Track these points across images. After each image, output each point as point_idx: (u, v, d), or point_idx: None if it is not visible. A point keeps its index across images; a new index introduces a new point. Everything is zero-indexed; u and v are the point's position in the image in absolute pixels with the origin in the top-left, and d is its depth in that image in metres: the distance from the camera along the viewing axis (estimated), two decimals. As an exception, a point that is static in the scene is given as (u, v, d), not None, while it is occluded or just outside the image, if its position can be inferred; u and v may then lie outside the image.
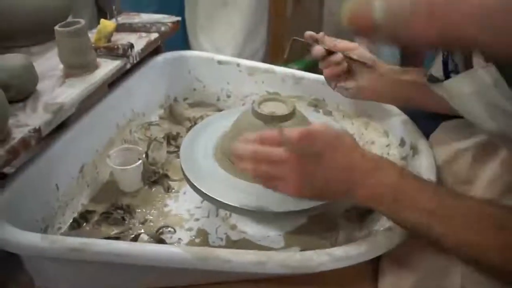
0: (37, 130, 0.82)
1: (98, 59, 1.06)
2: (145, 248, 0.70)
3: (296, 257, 0.67)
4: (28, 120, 0.83)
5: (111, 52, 1.08)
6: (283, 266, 0.67)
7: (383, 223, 0.84)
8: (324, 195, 0.71)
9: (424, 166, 0.89)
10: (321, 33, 0.92)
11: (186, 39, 2.31)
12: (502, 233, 0.61)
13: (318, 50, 0.96)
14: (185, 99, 1.38)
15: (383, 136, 1.08)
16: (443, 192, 0.70)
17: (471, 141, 0.91)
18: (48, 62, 1.05)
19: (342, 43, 0.98)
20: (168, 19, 1.32)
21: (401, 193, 0.66)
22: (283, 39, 2.71)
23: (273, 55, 2.55)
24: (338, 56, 0.96)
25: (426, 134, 0.98)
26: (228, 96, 1.34)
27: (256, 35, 2.32)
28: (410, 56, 2.15)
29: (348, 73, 1.00)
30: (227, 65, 1.30)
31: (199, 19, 2.24)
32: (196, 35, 2.27)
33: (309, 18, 3.35)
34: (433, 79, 0.80)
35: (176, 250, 0.68)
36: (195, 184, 0.85)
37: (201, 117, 1.28)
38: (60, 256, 0.71)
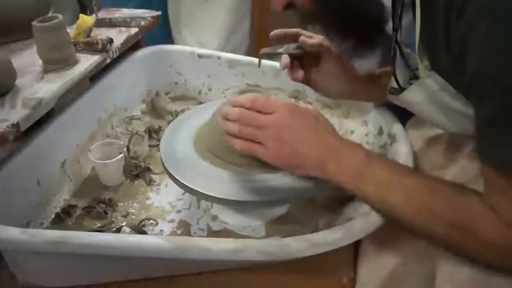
0: (15, 125, 0.82)
1: (78, 54, 1.06)
2: (125, 239, 0.71)
3: (274, 243, 0.69)
4: (6, 116, 0.83)
5: (90, 47, 1.08)
6: (262, 252, 0.68)
7: (362, 211, 0.85)
8: (298, 165, 0.75)
9: (401, 153, 0.90)
10: (295, 30, 0.91)
11: (170, 34, 2.30)
12: (452, 205, 0.66)
13: (284, 65, 0.93)
14: (167, 93, 1.38)
15: (362, 125, 1.10)
16: (401, 168, 0.78)
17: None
18: (27, 58, 1.05)
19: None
20: (148, 13, 1.32)
21: (366, 168, 0.72)
22: (267, 32, 2.72)
23: (257, 49, 2.55)
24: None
25: (403, 123, 0.99)
26: (210, 89, 1.34)
27: (239, 29, 2.32)
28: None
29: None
30: (208, 58, 1.31)
31: (182, 13, 2.23)
32: (179, 30, 2.27)
33: (293, 12, 3.35)
34: (392, 91, 0.84)
35: (157, 240, 0.69)
36: (175, 176, 0.85)
37: (183, 111, 1.29)
38: (40, 250, 0.71)
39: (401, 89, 0.80)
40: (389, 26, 0.80)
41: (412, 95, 0.77)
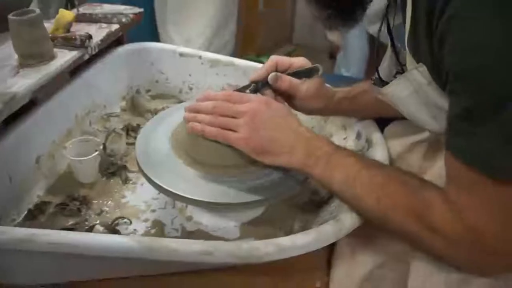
0: (-13, 120, 0.81)
1: (56, 50, 1.04)
2: (93, 238, 0.70)
3: (243, 247, 0.68)
4: (-22, 110, 0.82)
5: (69, 42, 1.07)
6: (230, 255, 0.67)
7: (337, 215, 0.85)
8: (268, 150, 0.77)
9: (378, 158, 0.90)
10: (274, 73, 0.91)
11: (155, 31, 2.29)
12: (410, 195, 0.68)
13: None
14: (147, 91, 1.38)
15: (341, 130, 1.10)
16: (367, 159, 0.79)
17: (424, 134, 0.94)
18: (2, 52, 1.04)
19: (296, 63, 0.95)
20: (130, 10, 1.31)
21: (334, 157, 0.74)
22: (256, 32, 2.72)
23: (244, 48, 2.56)
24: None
25: (381, 128, 0.99)
26: (190, 88, 1.34)
27: (226, 28, 2.32)
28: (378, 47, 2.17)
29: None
30: (189, 57, 1.30)
31: (168, 11, 2.22)
32: (165, 27, 2.26)
33: (282, 11, 3.36)
34: (377, 83, 0.84)
35: (123, 240, 0.68)
36: (149, 176, 0.84)
37: (163, 109, 1.27)
38: (9, 247, 0.69)
39: (383, 83, 0.81)
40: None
41: (397, 88, 0.77)
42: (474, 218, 0.61)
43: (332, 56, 3.00)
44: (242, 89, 0.90)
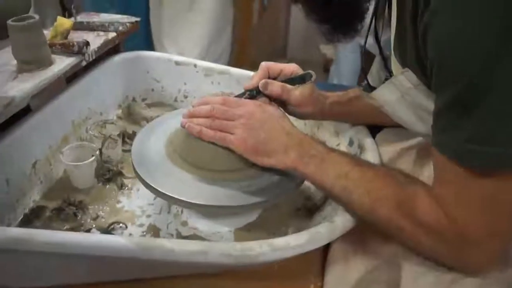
0: (-15, 123, 0.82)
1: (53, 56, 1.06)
2: (90, 238, 0.70)
3: (237, 247, 0.69)
4: (-24, 113, 0.83)
5: (67, 49, 1.08)
6: (225, 255, 0.68)
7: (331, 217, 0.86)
8: (263, 151, 0.80)
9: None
10: (264, 80, 0.93)
11: (150, 42, 2.31)
12: (398, 188, 0.70)
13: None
14: (143, 99, 1.39)
15: (333, 136, 1.11)
16: (360, 159, 0.85)
17: (414, 140, 0.96)
18: (1, 57, 1.05)
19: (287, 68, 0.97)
20: (127, 19, 1.33)
21: (327, 156, 0.77)
22: (249, 45, 2.74)
23: (238, 60, 2.58)
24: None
25: (373, 134, 1.01)
26: (185, 97, 1.35)
27: (220, 40, 2.34)
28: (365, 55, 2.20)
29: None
30: (184, 66, 1.32)
31: (163, 22, 2.25)
32: (160, 39, 2.28)
33: (276, 24, 3.39)
34: (366, 89, 0.86)
35: (120, 239, 0.68)
36: (145, 179, 0.85)
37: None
38: (5, 247, 0.70)
39: (372, 89, 0.83)
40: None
41: (385, 93, 0.80)
42: (458, 211, 0.63)
43: (326, 69, 3.03)
44: (237, 97, 0.91)
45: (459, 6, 0.56)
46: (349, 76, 2.59)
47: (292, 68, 0.94)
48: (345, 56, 2.56)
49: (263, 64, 0.94)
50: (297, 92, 0.92)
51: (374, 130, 1.03)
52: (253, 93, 0.90)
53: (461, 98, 0.58)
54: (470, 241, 0.63)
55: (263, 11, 2.84)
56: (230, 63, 2.43)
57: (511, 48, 0.54)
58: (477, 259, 0.66)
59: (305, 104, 0.93)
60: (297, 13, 3.43)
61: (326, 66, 3.07)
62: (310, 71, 0.94)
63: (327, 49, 3.10)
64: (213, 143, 0.83)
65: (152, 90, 1.38)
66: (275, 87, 0.90)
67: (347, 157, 0.78)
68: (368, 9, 0.79)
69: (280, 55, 3.48)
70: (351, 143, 1.04)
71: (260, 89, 0.90)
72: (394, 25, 0.72)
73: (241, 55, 2.63)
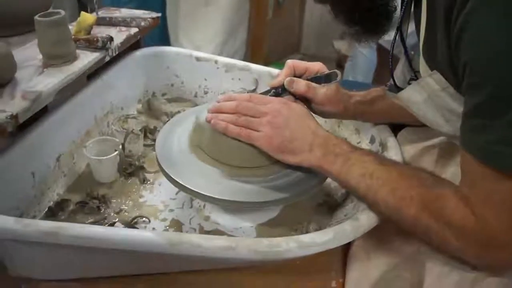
0: (14, 117, 0.83)
1: (78, 51, 1.07)
2: (119, 232, 0.71)
3: (264, 243, 0.69)
4: (5, 107, 0.84)
5: (91, 44, 1.09)
6: (252, 251, 0.69)
7: (352, 215, 0.87)
8: (289, 149, 0.80)
9: (392, 161, 0.91)
10: (289, 78, 0.92)
11: (166, 38, 2.32)
12: (424, 188, 0.70)
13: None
14: (163, 94, 1.40)
15: (354, 134, 1.12)
16: (384, 157, 0.85)
17: (437, 139, 0.95)
18: (27, 52, 1.06)
19: (312, 67, 0.98)
20: (148, 14, 1.33)
21: (352, 155, 0.78)
22: (264, 40, 2.75)
23: (253, 56, 2.58)
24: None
25: (394, 133, 1.01)
26: (206, 93, 1.36)
27: (236, 36, 2.34)
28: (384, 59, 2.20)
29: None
30: (205, 61, 1.33)
31: (180, 18, 2.25)
32: (176, 34, 2.29)
33: (290, 20, 3.39)
34: (392, 89, 0.86)
35: (149, 234, 0.69)
36: (169, 174, 0.86)
37: (178, 112, 1.29)
38: (34, 240, 0.71)
39: (398, 89, 0.83)
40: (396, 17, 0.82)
41: (412, 94, 0.79)
42: (486, 212, 0.63)
43: (340, 65, 3.02)
44: (262, 95, 0.92)
45: (498, 7, 0.56)
46: (364, 73, 2.59)
47: (317, 66, 0.94)
48: (361, 52, 2.56)
49: (289, 62, 0.94)
50: (322, 91, 0.92)
51: (395, 128, 1.03)
52: (279, 91, 0.91)
53: (492, 100, 0.58)
54: (498, 242, 0.63)
55: (278, 7, 2.84)
56: (246, 58, 2.43)
57: None
58: (504, 260, 0.66)
59: (330, 103, 0.94)
60: (311, 8, 3.43)
61: (340, 62, 3.06)
62: (335, 70, 0.94)
63: (341, 45, 3.09)
64: (238, 140, 0.83)
65: (172, 85, 1.39)
66: (301, 85, 0.90)
67: (371, 156, 0.78)
68: (396, 8, 0.79)
69: (294, 51, 3.48)
70: (372, 140, 1.04)
71: (286, 86, 0.90)
72: (423, 26, 0.72)
73: (256, 51, 2.63)
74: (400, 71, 0.89)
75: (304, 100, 0.93)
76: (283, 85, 0.91)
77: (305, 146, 0.79)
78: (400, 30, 0.82)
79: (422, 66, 0.76)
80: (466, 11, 0.59)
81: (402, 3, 0.81)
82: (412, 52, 0.84)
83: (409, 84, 0.84)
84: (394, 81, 0.85)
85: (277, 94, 0.91)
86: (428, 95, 0.76)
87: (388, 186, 0.73)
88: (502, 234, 0.62)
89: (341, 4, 0.80)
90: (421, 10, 0.73)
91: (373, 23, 0.80)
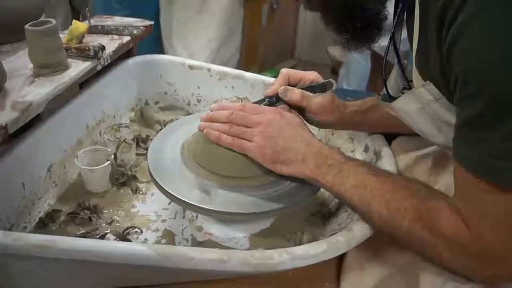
0: (4, 127, 0.82)
1: (69, 60, 1.06)
2: (110, 245, 0.70)
3: (257, 255, 0.69)
4: (-6, 117, 0.83)
5: (82, 53, 1.08)
6: (244, 264, 0.68)
7: (345, 226, 0.86)
8: (282, 159, 0.80)
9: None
10: (283, 87, 0.91)
11: (160, 45, 2.32)
12: (419, 201, 0.69)
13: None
14: (156, 102, 1.39)
15: (348, 142, 1.11)
16: (378, 168, 0.82)
17: (430, 148, 0.95)
18: (17, 61, 1.05)
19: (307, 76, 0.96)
20: (140, 22, 1.33)
21: (346, 166, 0.77)
22: (258, 47, 2.75)
23: (246, 62, 2.58)
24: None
25: (389, 141, 1.01)
26: (199, 101, 1.35)
27: (230, 42, 2.34)
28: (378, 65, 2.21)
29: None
30: (198, 70, 1.32)
31: (174, 23, 2.25)
32: (170, 41, 2.29)
33: (284, 27, 3.40)
34: (385, 99, 0.86)
35: (141, 247, 0.68)
36: (161, 184, 0.85)
37: (171, 121, 1.29)
38: (24, 253, 0.69)
39: (391, 98, 0.82)
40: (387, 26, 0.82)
41: (405, 104, 0.79)
42: (482, 227, 0.62)
43: (334, 71, 3.03)
44: (256, 104, 0.91)
45: (490, 19, 0.56)
46: (358, 79, 2.59)
47: (312, 76, 0.94)
48: (354, 59, 2.56)
49: (284, 70, 0.93)
50: (317, 100, 0.91)
51: (388, 137, 1.03)
52: (273, 100, 0.90)
53: (488, 111, 0.57)
54: (492, 255, 0.63)
55: (272, 13, 2.84)
56: (240, 64, 2.43)
57: None
58: (499, 273, 0.65)
59: (325, 113, 0.93)
60: (305, 14, 3.44)
61: (334, 69, 3.06)
62: (330, 79, 0.94)
63: (335, 51, 3.10)
64: (230, 149, 0.83)
65: (165, 93, 1.38)
66: (295, 94, 0.90)
67: (365, 167, 0.77)
68: (387, 17, 0.79)
69: (288, 57, 3.48)
70: (366, 149, 1.04)
71: (280, 95, 0.90)
72: (416, 36, 0.72)
73: (250, 56, 2.64)
74: (393, 80, 0.88)
75: (299, 109, 0.92)
76: (277, 94, 0.90)
77: (298, 157, 0.79)
78: (393, 39, 0.82)
79: (415, 76, 0.75)
80: (458, 22, 0.58)
81: (395, 12, 0.81)
82: (406, 61, 0.84)
83: (402, 93, 0.84)
84: (387, 90, 0.85)
85: (271, 103, 0.90)
86: (422, 105, 0.75)
87: (381, 198, 0.72)
88: (496, 246, 0.62)
89: (331, 12, 0.79)
90: (413, 20, 0.72)
91: (364, 31, 0.79)
